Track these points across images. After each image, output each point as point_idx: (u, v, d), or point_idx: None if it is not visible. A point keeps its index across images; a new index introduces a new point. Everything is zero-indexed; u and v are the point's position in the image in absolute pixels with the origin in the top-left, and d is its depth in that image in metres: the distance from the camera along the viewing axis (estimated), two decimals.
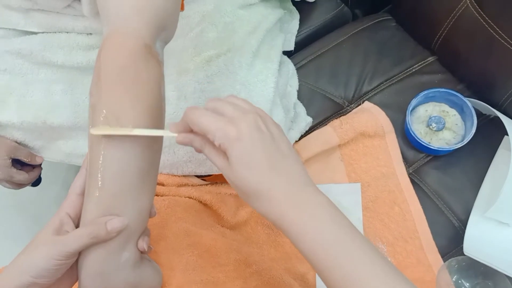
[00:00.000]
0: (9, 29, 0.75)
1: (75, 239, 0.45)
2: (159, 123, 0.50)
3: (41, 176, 0.87)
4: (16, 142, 0.76)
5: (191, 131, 0.46)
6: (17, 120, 0.72)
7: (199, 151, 0.47)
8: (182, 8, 0.57)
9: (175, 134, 0.46)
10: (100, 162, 0.46)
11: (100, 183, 0.46)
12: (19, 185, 0.82)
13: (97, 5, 0.52)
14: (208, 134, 0.43)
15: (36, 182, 0.88)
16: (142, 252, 0.50)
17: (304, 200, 0.43)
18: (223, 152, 0.43)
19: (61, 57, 0.72)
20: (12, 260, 0.45)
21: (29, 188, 0.92)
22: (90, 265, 0.46)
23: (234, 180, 0.43)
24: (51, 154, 0.79)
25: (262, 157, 0.42)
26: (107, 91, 0.47)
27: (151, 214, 0.50)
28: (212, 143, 0.44)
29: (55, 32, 0.74)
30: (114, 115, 0.46)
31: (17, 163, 0.79)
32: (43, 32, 0.74)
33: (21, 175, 0.79)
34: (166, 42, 0.55)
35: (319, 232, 0.42)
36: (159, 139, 0.50)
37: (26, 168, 0.81)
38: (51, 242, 0.45)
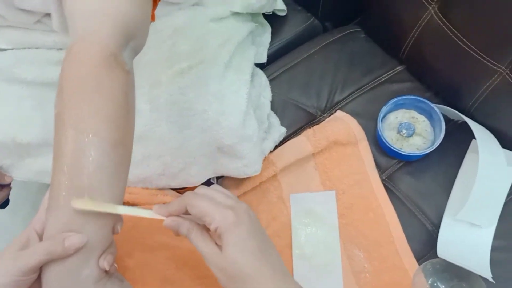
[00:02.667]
0: None
1: (30, 255, 0.44)
2: (123, 133, 0.49)
3: (9, 197, 0.85)
4: None
5: (175, 215, 0.49)
6: None
7: (177, 234, 0.50)
8: (153, 19, 0.57)
9: (163, 217, 0.48)
10: (58, 176, 0.46)
11: (59, 197, 0.45)
12: None
13: (65, 15, 0.52)
14: (205, 216, 0.46)
15: (4, 203, 0.85)
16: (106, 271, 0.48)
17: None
18: (210, 239, 0.47)
19: (31, 73, 0.71)
20: None
21: None
22: (49, 282, 0.45)
23: (225, 263, 0.45)
24: (20, 173, 0.77)
25: (255, 243, 0.46)
26: (69, 101, 0.47)
27: (114, 231, 0.50)
28: (200, 229, 0.48)
29: (25, 48, 0.74)
30: (76, 127, 0.46)
31: None
32: (12, 49, 0.74)
33: None
34: (136, 51, 0.54)
35: None
36: (126, 150, 0.50)
37: None
38: (10, 258, 0.44)
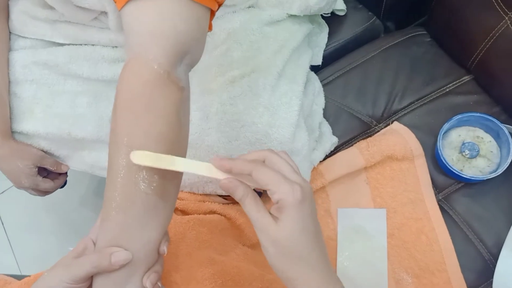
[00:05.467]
0: (36, 39, 0.75)
1: (80, 265, 0.46)
2: (174, 149, 0.49)
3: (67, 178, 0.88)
4: (42, 150, 0.77)
5: (233, 177, 0.47)
6: (43, 131, 0.73)
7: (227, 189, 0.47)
8: (210, 28, 0.55)
9: (220, 178, 0.46)
10: (109, 191, 0.47)
11: (110, 211, 0.47)
12: (45, 193, 0.83)
13: (123, 30, 0.52)
14: (270, 185, 0.44)
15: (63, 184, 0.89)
16: None
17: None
18: (264, 208, 0.45)
19: (87, 70, 0.72)
20: (39, 278, 0.47)
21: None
22: None
23: (280, 236, 0.44)
24: (75, 163, 0.80)
25: (313, 225, 0.45)
26: (121, 118, 0.48)
27: (160, 251, 0.50)
28: (254, 196, 0.46)
29: (81, 44, 0.74)
30: (127, 144, 0.46)
31: (43, 170, 0.79)
32: (69, 44, 0.74)
33: (46, 183, 0.80)
34: (191, 65, 0.53)
35: None
36: (172, 174, 0.49)
37: (52, 176, 0.82)
38: (65, 264, 0.47)
